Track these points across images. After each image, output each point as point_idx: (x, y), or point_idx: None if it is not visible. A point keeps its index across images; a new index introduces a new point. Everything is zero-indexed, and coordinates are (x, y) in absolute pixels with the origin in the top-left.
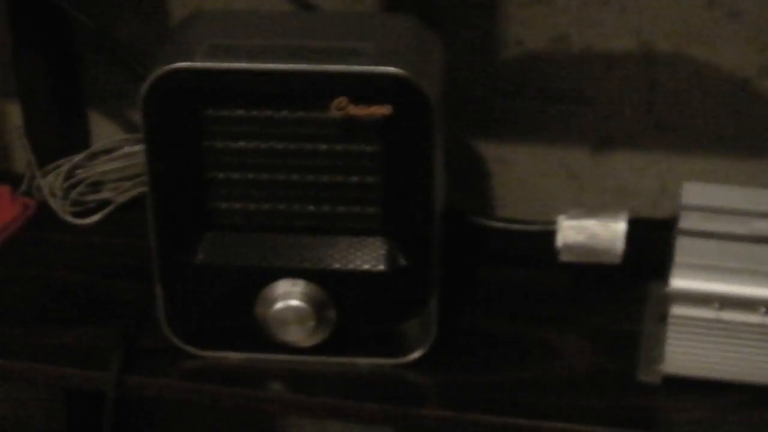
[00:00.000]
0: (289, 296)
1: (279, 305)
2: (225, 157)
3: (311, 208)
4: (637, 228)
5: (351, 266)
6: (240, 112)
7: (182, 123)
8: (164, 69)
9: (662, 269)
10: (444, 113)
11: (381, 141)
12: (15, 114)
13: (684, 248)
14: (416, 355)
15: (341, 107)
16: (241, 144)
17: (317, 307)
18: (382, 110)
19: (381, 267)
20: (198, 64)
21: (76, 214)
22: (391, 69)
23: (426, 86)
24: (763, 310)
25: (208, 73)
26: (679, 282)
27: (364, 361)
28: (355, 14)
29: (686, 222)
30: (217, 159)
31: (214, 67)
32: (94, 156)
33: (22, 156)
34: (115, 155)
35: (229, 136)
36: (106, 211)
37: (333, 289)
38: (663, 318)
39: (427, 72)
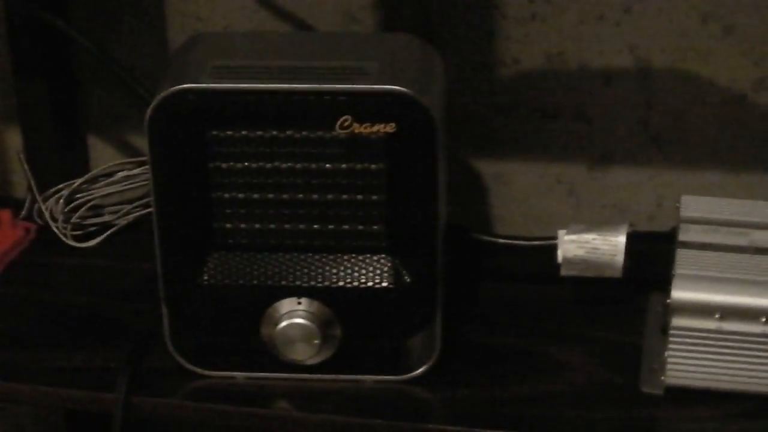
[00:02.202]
0: (294, 314)
1: (284, 323)
2: (230, 177)
3: (316, 226)
4: (636, 241)
5: (356, 284)
6: (245, 132)
7: (187, 144)
8: (170, 90)
9: (662, 282)
10: (446, 131)
11: (385, 159)
12: (15, 139)
13: (684, 260)
14: (421, 371)
15: (346, 126)
16: (246, 164)
17: (322, 324)
18: (387, 128)
19: (385, 284)
20: (203, 86)
21: (78, 238)
22: (394, 87)
23: (429, 104)
24: (764, 319)
25: (213, 94)
26: (680, 293)
27: (369, 378)
28: (356, 34)
29: (686, 234)
30: (222, 179)
31: (220, 88)
32: (94, 180)
33: (22, 181)
34: (115, 179)
35: (234, 156)
36: (108, 233)
37: (338, 306)
38: (664, 330)
39: (430, 90)
